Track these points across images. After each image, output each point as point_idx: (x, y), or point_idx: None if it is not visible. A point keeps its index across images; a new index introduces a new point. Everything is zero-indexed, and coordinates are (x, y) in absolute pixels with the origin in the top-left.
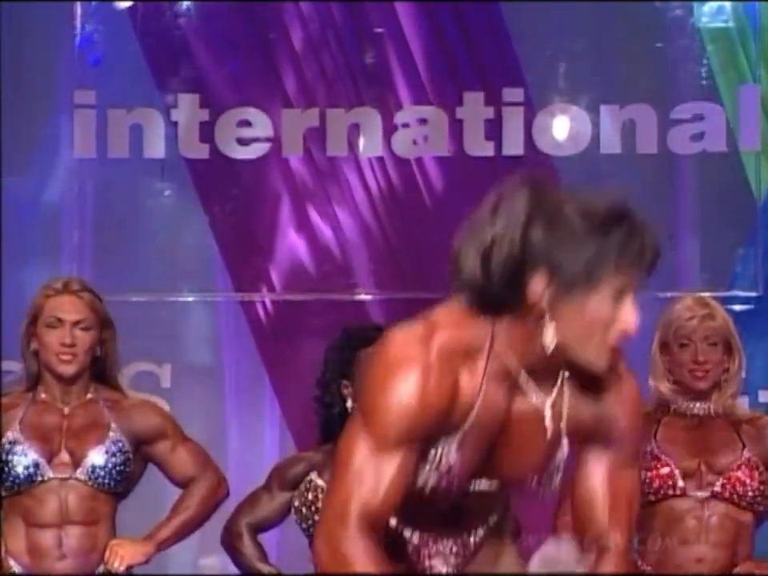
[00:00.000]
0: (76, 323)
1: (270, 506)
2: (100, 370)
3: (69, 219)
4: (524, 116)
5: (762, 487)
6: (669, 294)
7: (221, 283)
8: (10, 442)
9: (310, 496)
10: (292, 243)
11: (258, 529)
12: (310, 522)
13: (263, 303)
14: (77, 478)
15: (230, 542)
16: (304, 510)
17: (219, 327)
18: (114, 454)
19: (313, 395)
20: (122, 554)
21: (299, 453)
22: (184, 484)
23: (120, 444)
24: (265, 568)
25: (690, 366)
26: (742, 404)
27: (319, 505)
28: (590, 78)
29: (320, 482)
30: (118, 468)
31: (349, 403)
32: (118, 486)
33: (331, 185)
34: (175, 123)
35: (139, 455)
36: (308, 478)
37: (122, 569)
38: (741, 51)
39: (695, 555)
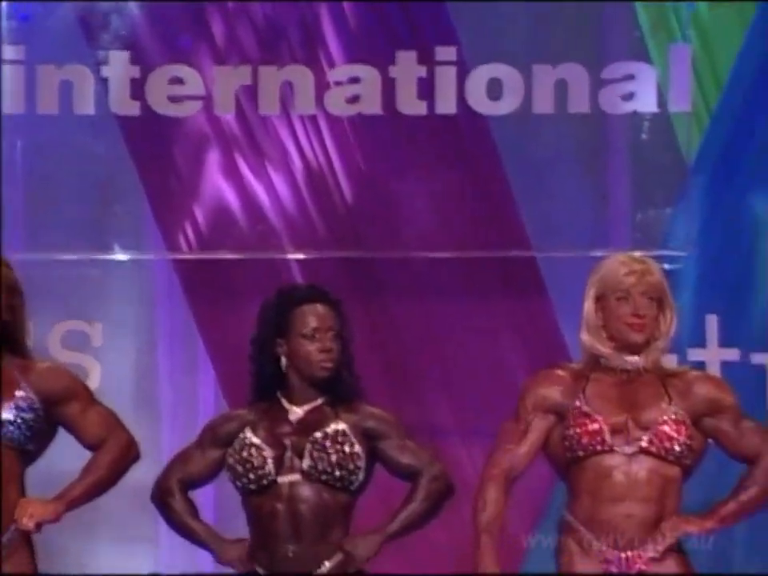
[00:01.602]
0: None
1: (202, 462)
2: (8, 336)
3: None
4: (457, 75)
5: (689, 441)
6: (600, 254)
7: (153, 242)
8: None
9: (245, 453)
10: (225, 202)
11: (189, 485)
12: (244, 479)
13: (196, 262)
14: None
15: (160, 499)
16: (238, 467)
17: (151, 286)
18: (23, 410)
19: (246, 354)
20: (32, 511)
21: (232, 410)
22: (95, 446)
23: (30, 401)
24: (196, 524)
25: (628, 319)
26: (671, 362)
27: (255, 462)
28: (522, 37)
29: (255, 439)
30: (28, 424)
31: (282, 361)
32: (28, 442)
33: (264, 143)
34: (106, 80)
35: (49, 417)
36: (242, 436)
37: (31, 525)
38: (671, 11)
39: (624, 511)
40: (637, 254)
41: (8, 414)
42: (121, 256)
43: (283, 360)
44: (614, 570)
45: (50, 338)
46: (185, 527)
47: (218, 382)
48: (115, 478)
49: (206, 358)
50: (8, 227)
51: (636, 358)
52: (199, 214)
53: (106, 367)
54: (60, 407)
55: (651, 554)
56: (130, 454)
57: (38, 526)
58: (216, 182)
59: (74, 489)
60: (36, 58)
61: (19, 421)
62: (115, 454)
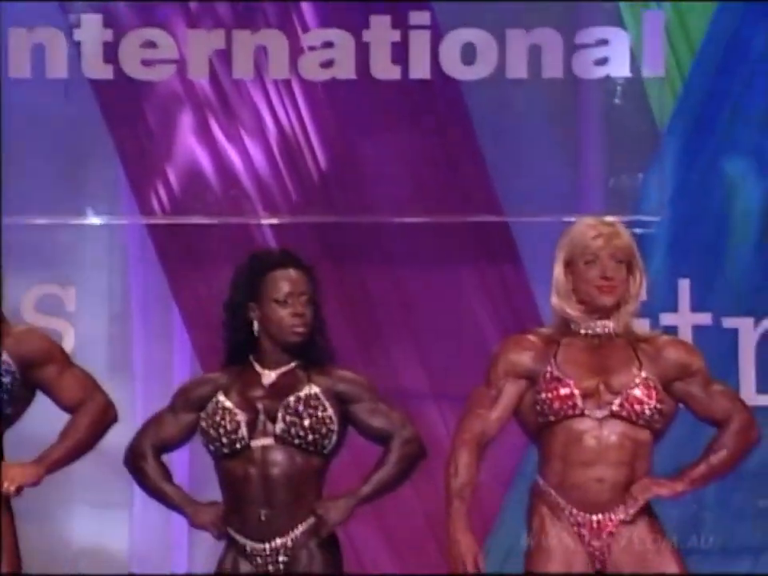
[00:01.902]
0: None
1: (175, 426)
2: None
3: None
4: (431, 40)
5: (659, 405)
6: (572, 219)
7: (126, 207)
8: None
9: (217, 417)
10: (199, 167)
11: (162, 449)
12: (217, 443)
13: (169, 227)
14: None
15: (133, 463)
16: (211, 431)
17: (125, 251)
18: (0, 375)
19: (220, 318)
20: (13, 475)
21: (205, 374)
22: (72, 409)
23: (6, 365)
24: (169, 488)
25: (597, 282)
26: (643, 327)
27: (227, 426)
28: (496, 2)
29: (227, 403)
30: (4, 387)
31: (255, 326)
32: (5, 405)
33: (238, 108)
34: (78, 43)
35: (26, 380)
36: (215, 399)
37: (12, 489)
38: None
39: (595, 475)
40: (609, 218)
41: None
42: (94, 220)
43: (256, 325)
44: (584, 532)
45: (23, 303)
46: (158, 491)
47: (193, 347)
48: (94, 440)
49: (180, 322)
50: None
51: (606, 321)
52: (173, 179)
53: (79, 331)
54: (37, 370)
55: (622, 517)
56: (107, 417)
57: (19, 490)
58: (190, 147)
59: (53, 452)
60: (7, 22)
61: None
62: (93, 417)
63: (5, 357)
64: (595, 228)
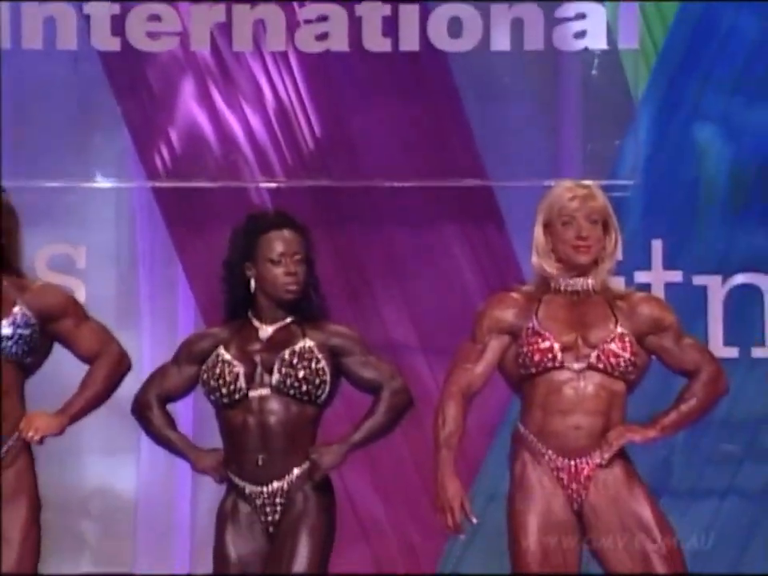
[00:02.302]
0: None
1: (178, 378)
2: (3, 258)
3: None
4: (419, 13)
5: (633, 358)
6: (552, 183)
7: (133, 171)
8: None
9: (218, 369)
10: (201, 133)
11: (166, 399)
12: (217, 394)
13: (174, 190)
14: None
15: (140, 412)
16: (212, 382)
17: (132, 213)
18: (20, 326)
19: (220, 275)
20: (38, 425)
21: (207, 329)
22: (89, 359)
23: (26, 317)
24: (172, 434)
25: (573, 242)
26: (619, 284)
27: (227, 378)
28: None
29: (227, 356)
30: (25, 338)
31: (252, 284)
32: (25, 356)
33: (238, 78)
34: (87, 17)
35: (45, 332)
36: (216, 353)
37: (36, 438)
38: None
39: (573, 423)
40: (586, 182)
41: (6, 330)
42: (103, 184)
43: (252, 282)
44: (563, 476)
45: (36, 261)
46: (163, 438)
47: (196, 302)
48: (111, 390)
49: (184, 278)
50: None
51: (584, 279)
52: (176, 145)
53: (89, 288)
54: (55, 323)
55: (598, 461)
56: (122, 366)
57: (42, 440)
58: (192, 115)
59: (74, 403)
60: None
61: (17, 336)
62: (110, 368)
63: (25, 310)
64: (571, 191)
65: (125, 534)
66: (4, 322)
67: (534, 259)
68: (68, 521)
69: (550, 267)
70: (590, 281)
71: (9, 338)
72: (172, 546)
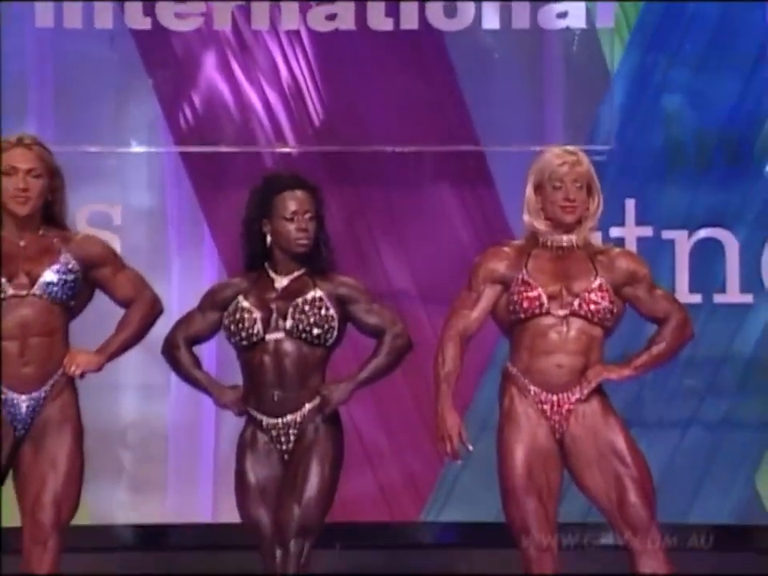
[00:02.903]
0: (28, 171)
1: (203, 323)
2: (50, 213)
3: (32, 83)
4: None
5: (610, 306)
6: (538, 148)
7: (163, 137)
8: None
9: (238, 315)
10: (223, 104)
11: (192, 342)
12: (237, 337)
13: (199, 154)
14: (34, 294)
15: (169, 353)
16: (233, 327)
17: (162, 175)
18: (64, 273)
19: (240, 231)
20: (79, 361)
21: (228, 279)
22: (125, 303)
23: (70, 265)
24: (198, 373)
25: (561, 203)
26: (596, 239)
27: (246, 323)
28: None
29: (246, 303)
30: (69, 284)
31: (268, 239)
32: (69, 300)
33: (256, 54)
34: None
35: (86, 279)
36: (236, 301)
37: (78, 372)
38: None
39: (556, 362)
40: (569, 147)
41: (53, 277)
42: (136, 149)
43: (268, 238)
44: (547, 409)
45: (77, 218)
46: (189, 375)
47: (219, 255)
48: (145, 331)
49: (209, 234)
50: (42, 125)
51: (569, 236)
52: (201, 114)
53: (125, 242)
54: (95, 270)
55: (578, 396)
56: (155, 310)
57: (83, 375)
58: (215, 87)
59: (112, 343)
60: None
61: (62, 282)
62: (144, 311)
63: (69, 259)
64: (561, 157)
65: (157, 460)
66: (50, 269)
67: (525, 217)
68: (107, 449)
69: (540, 224)
70: (573, 237)
71: (55, 283)
72: (199, 471)
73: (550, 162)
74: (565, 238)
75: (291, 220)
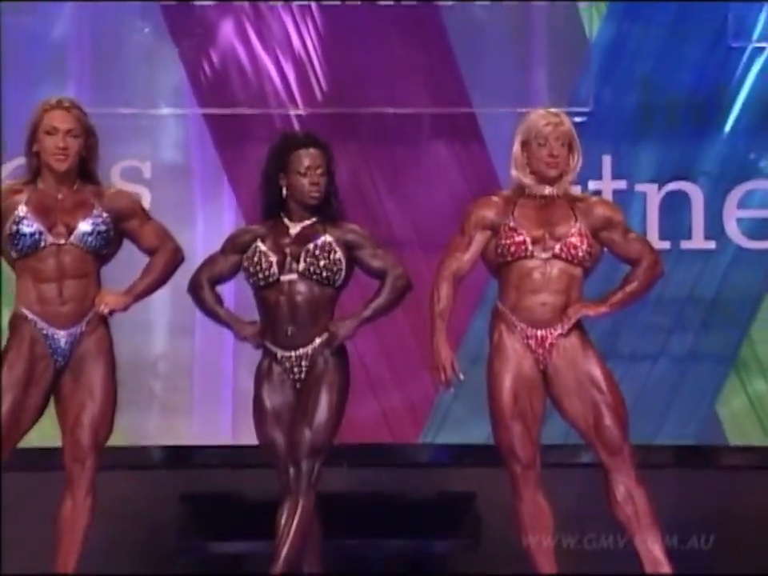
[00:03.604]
0: (67, 131)
1: (224, 264)
2: (85, 169)
3: (72, 52)
4: None
5: (589, 249)
6: (525, 110)
7: (188, 100)
8: (19, 218)
9: (255, 258)
10: (241, 70)
11: (215, 282)
12: (255, 278)
13: (221, 116)
14: (71, 243)
15: (194, 291)
16: (251, 269)
17: (187, 134)
18: (98, 224)
19: (258, 184)
20: (107, 300)
21: (247, 226)
22: (151, 252)
23: (102, 217)
24: (220, 310)
25: (545, 159)
26: (577, 191)
27: (263, 265)
28: None
29: (263, 247)
30: (102, 234)
31: (283, 191)
32: (102, 248)
33: (272, 26)
34: None
35: (116, 229)
36: (254, 245)
37: (106, 311)
38: None
39: (540, 300)
40: (553, 109)
41: (87, 227)
42: (164, 111)
43: (284, 190)
44: (531, 343)
45: (112, 173)
46: (212, 312)
47: (238, 206)
48: (167, 277)
49: (230, 188)
50: (80, 89)
51: (551, 187)
52: (222, 79)
53: (153, 195)
54: (124, 222)
55: (560, 331)
56: (177, 258)
57: (111, 312)
58: (236, 55)
59: (138, 285)
60: None
61: (96, 233)
62: (167, 258)
63: (101, 211)
64: (545, 118)
65: (184, 389)
66: (85, 220)
67: (513, 171)
68: (141, 379)
69: (526, 178)
70: (555, 189)
71: (89, 233)
72: (220, 398)
73: (536, 123)
74: (547, 189)
75: (305, 174)
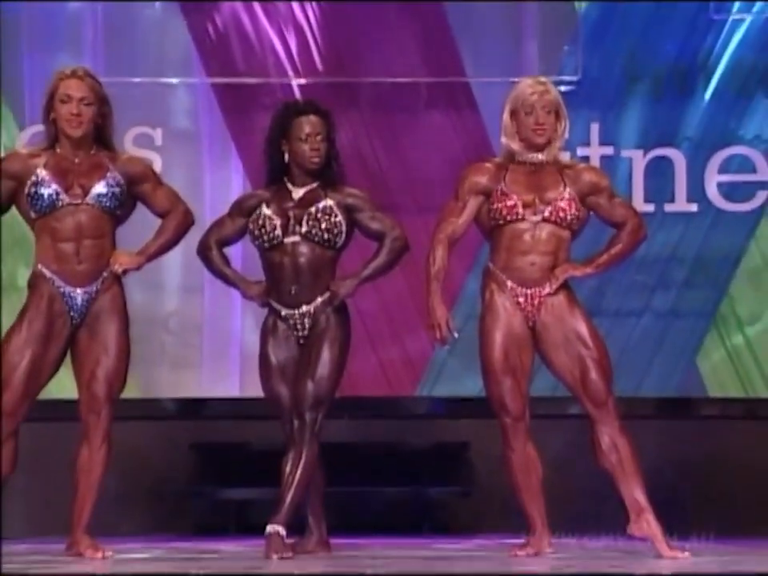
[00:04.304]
0: (81, 99)
1: (231, 227)
2: (100, 136)
3: (87, 24)
4: None
5: (576, 213)
6: (516, 79)
7: (196, 70)
8: (38, 180)
9: (260, 221)
10: (248, 42)
11: (223, 244)
12: (260, 240)
13: (228, 85)
14: (87, 203)
15: (203, 253)
16: (256, 231)
17: (197, 103)
18: (112, 186)
19: (262, 150)
20: (121, 260)
21: (253, 191)
22: (162, 214)
23: (117, 180)
24: (227, 270)
25: (533, 126)
26: (566, 157)
27: (267, 228)
28: None
29: (267, 211)
30: (116, 195)
31: (286, 157)
32: (116, 209)
33: (278, 5)
34: None
35: (130, 192)
36: (259, 209)
37: (120, 270)
38: None
39: (530, 261)
40: (540, 78)
41: (102, 189)
42: (174, 80)
43: (286, 156)
44: (521, 301)
45: (125, 139)
46: (220, 272)
47: (244, 171)
48: (178, 238)
49: (236, 154)
50: (95, 59)
51: (540, 154)
52: (232, 50)
53: (165, 160)
54: (137, 186)
55: (548, 290)
56: (188, 221)
57: (125, 272)
58: (243, 30)
59: (150, 246)
60: None
61: (110, 194)
62: (178, 220)
63: (116, 174)
64: (532, 87)
65: (194, 344)
66: (100, 183)
67: (503, 139)
68: (154, 334)
69: (515, 145)
70: (544, 155)
71: (104, 194)
72: (229, 353)
73: (523, 92)
74: (537, 155)
75: (306, 141)
